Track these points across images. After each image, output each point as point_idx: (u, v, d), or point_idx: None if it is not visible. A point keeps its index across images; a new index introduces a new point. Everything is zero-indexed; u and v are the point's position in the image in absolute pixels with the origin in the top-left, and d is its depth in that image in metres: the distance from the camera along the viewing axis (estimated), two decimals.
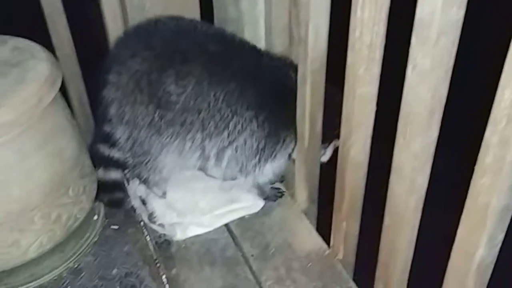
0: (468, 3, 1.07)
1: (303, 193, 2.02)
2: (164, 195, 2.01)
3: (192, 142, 1.81)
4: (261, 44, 1.92)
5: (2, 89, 1.50)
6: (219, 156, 1.84)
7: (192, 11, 2.09)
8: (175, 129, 1.79)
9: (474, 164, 1.13)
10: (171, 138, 1.81)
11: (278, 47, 1.82)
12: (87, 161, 1.82)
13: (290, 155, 1.92)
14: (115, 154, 1.91)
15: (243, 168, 1.88)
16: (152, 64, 1.73)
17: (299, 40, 1.65)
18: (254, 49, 1.84)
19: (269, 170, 1.93)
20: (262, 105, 1.76)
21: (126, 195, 2.06)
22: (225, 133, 1.78)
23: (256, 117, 1.77)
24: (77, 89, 2.14)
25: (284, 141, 1.86)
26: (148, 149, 1.85)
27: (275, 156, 1.88)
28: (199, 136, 1.79)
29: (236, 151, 1.83)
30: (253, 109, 1.76)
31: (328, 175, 1.86)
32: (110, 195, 2.02)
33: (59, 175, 1.64)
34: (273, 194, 2.08)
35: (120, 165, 1.95)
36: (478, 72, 2.64)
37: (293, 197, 2.07)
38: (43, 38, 1.92)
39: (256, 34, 1.90)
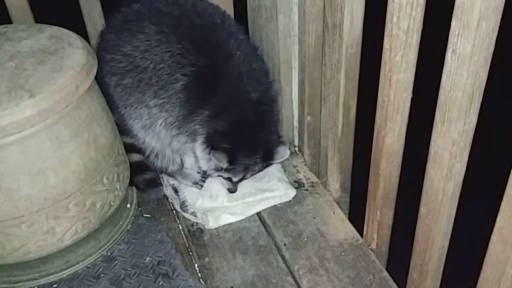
0: None
1: (336, 182, 2.01)
2: (196, 184, 2.03)
3: (146, 105, 1.82)
4: (295, 31, 1.91)
5: (39, 76, 1.52)
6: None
7: None
8: (133, 93, 1.82)
9: None
10: (134, 105, 1.84)
11: (312, 34, 1.81)
12: (121, 149, 1.83)
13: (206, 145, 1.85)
14: (126, 140, 1.93)
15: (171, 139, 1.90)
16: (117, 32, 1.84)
17: (333, 26, 1.64)
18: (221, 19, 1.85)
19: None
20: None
21: (158, 175, 2.08)
22: (163, 94, 1.79)
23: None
24: None
25: (191, 118, 1.82)
26: (131, 127, 1.90)
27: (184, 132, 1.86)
28: (149, 97, 1.80)
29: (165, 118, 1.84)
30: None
31: (361, 163, 1.85)
32: (143, 176, 2.04)
33: (94, 162, 1.65)
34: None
35: (137, 149, 1.98)
36: None
37: (326, 185, 2.06)
38: (79, 27, 1.94)
39: (289, 21, 1.89)
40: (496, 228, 1.24)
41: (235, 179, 1.92)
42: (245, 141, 1.81)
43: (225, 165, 1.80)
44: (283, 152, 1.90)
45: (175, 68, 1.75)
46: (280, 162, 2.04)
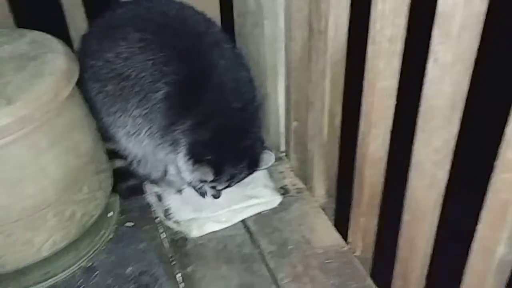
0: None
1: (321, 188, 2.00)
2: (179, 192, 2.00)
3: (130, 114, 1.79)
4: (281, 37, 1.89)
5: (18, 83, 1.48)
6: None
7: (211, 4, 2.08)
8: (116, 101, 1.79)
9: (494, 159, 1.11)
10: (117, 114, 1.81)
11: (298, 40, 1.80)
12: (103, 157, 1.80)
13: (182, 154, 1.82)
14: (109, 146, 1.90)
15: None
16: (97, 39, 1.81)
17: (318, 32, 1.63)
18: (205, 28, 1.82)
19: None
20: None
21: (141, 182, 2.05)
22: (146, 104, 1.76)
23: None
24: None
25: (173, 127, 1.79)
26: (114, 134, 1.86)
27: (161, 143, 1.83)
28: (132, 106, 1.77)
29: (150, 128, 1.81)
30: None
31: (346, 170, 1.84)
32: (126, 183, 2.01)
33: (74, 171, 1.62)
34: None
35: (120, 154, 1.95)
36: (499, 66, 2.60)
37: (312, 192, 2.05)
38: (61, 31, 1.92)
39: (276, 27, 1.87)
40: (476, 238, 1.24)
41: (220, 187, 1.90)
42: (230, 150, 1.78)
43: (211, 177, 1.78)
44: (268, 158, 1.89)
45: (157, 76, 1.72)
46: (265, 168, 2.02)
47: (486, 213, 1.18)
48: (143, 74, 1.73)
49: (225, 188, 1.91)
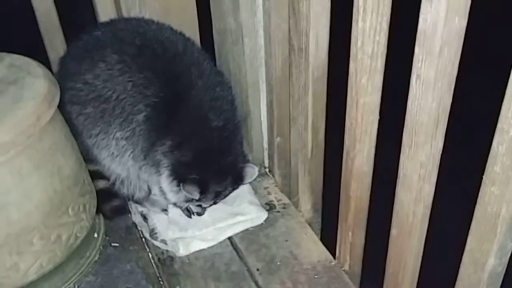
0: (470, 12, 1.06)
1: (307, 203, 2.00)
2: (164, 211, 1.99)
3: (113, 137, 1.79)
4: (261, 54, 1.90)
5: None
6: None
7: (190, 22, 2.08)
8: (98, 123, 1.78)
9: (482, 173, 1.13)
10: (100, 136, 1.80)
11: (278, 57, 1.80)
12: (87, 178, 1.78)
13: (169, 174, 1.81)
14: (91, 167, 1.88)
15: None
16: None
17: (299, 50, 1.64)
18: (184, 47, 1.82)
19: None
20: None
21: (126, 202, 2.04)
22: (128, 126, 1.76)
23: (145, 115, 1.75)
24: None
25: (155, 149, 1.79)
26: (96, 155, 1.86)
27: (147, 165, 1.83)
28: (115, 128, 1.77)
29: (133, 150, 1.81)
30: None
31: (332, 184, 1.84)
32: (110, 204, 1.99)
33: (59, 194, 1.60)
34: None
35: (103, 175, 1.94)
36: (482, 81, 2.63)
37: (298, 206, 2.05)
38: (40, 54, 1.90)
39: (255, 44, 1.88)
40: (466, 250, 1.25)
41: (205, 205, 1.90)
42: (213, 168, 1.78)
43: (197, 196, 1.77)
44: (251, 172, 1.88)
45: (137, 98, 1.72)
46: (249, 182, 2.02)
47: (476, 226, 1.19)
48: (123, 96, 1.72)
49: (210, 205, 1.90)
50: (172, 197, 1.85)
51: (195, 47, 1.89)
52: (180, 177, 1.76)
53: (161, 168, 1.79)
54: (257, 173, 1.91)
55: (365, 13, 1.27)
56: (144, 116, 1.74)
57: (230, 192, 1.88)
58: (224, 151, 1.80)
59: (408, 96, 1.23)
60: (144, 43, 1.77)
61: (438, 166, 1.30)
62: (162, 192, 1.88)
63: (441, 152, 1.27)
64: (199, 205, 1.89)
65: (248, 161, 1.94)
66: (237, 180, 1.86)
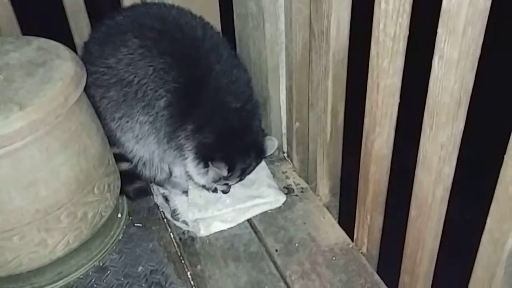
0: None
1: (325, 187, 2.02)
2: (185, 193, 2.03)
3: (137, 120, 1.83)
4: (281, 39, 1.92)
5: (28, 88, 1.51)
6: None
7: (212, 7, 2.11)
8: (121, 107, 1.82)
9: (502, 153, 1.13)
10: (123, 119, 1.84)
11: (299, 42, 1.82)
12: (111, 159, 1.83)
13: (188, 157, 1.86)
14: (113, 150, 1.92)
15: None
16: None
17: (320, 33, 1.66)
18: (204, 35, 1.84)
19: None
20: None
21: (148, 184, 2.08)
22: (151, 111, 1.80)
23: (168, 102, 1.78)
24: None
25: (177, 133, 1.83)
26: (119, 138, 1.90)
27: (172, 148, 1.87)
28: (138, 112, 1.81)
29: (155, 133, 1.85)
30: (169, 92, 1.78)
31: (350, 168, 1.86)
32: (133, 185, 2.04)
33: (85, 173, 1.65)
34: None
35: (126, 158, 1.98)
36: (504, 62, 2.60)
37: (316, 190, 2.08)
38: (66, 38, 1.94)
39: (276, 29, 1.90)
40: (486, 230, 1.25)
41: (232, 183, 1.94)
42: (236, 146, 1.82)
43: (225, 173, 1.81)
44: (271, 144, 1.95)
45: (158, 83, 1.76)
46: (268, 165, 2.08)
47: (495, 206, 1.19)
48: (145, 80, 1.76)
49: (237, 182, 1.95)
50: (200, 179, 1.90)
51: (213, 32, 1.92)
52: (205, 158, 1.81)
53: (185, 151, 1.83)
54: (276, 144, 1.98)
55: None
56: (165, 102, 1.77)
57: (254, 168, 1.93)
58: (244, 129, 1.85)
59: (430, 77, 1.24)
60: (164, 27, 1.80)
61: (458, 147, 1.31)
62: (189, 176, 1.93)
63: (462, 134, 1.28)
64: (226, 183, 1.93)
65: (266, 135, 1.99)
66: (260, 154, 1.92)
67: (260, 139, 1.91)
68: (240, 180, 1.94)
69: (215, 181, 1.90)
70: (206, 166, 1.82)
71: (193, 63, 1.78)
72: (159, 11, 1.89)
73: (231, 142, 1.81)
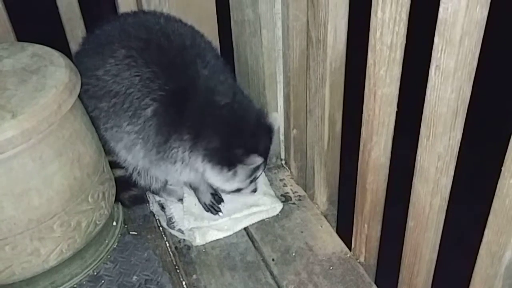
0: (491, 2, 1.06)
1: (323, 195, 2.01)
2: (181, 200, 2.01)
3: (124, 130, 1.79)
4: (279, 46, 1.91)
5: (22, 96, 1.50)
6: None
7: (209, 13, 2.09)
8: (111, 117, 1.80)
9: (500, 165, 1.12)
10: (114, 129, 1.81)
11: (296, 48, 1.81)
12: (106, 166, 1.81)
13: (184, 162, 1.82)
14: (109, 158, 1.90)
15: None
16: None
17: (317, 41, 1.65)
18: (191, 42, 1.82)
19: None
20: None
21: (143, 191, 2.06)
22: (137, 120, 1.76)
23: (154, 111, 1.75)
24: None
25: (170, 144, 1.78)
26: (113, 147, 1.87)
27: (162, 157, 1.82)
28: (125, 122, 1.78)
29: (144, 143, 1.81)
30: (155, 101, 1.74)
31: (348, 176, 1.85)
32: (128, 192, 2.02)
33: (79, 181, 1.63)
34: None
35: (120, 166, 1.95)
36: (501, 72, 2.60)
37: (313, 198, 2.06)
38: (61, 44, 1.93)
39: (273, 36, 1.88)
40: (483, 243, 1.25)
41: (259, 173, 1.90)
42: (247, 134, 1.78)
43: (260, 161, 1.76)
44: (275, 117, 1.90)
45: (144, 93, 1.73)
46: (265, 173, 2.05)
47: (493, 218, 1.18)
48: (131, 90, 1.74)
49: (263, 171, 1.93)
50: (230, 185, 1.85)
51: (202, 40, 1.89)
52: (228, 161, 1.77)
53: (197, 165, 1.79)
54: (279, 117, 1.95)
55: (384, 3, 1.27)
56: (152, 111, 1.74)
57: (270, 146, 1.88)
58: (243, 116, 1.80)
59: (427, 87, 1.23)
60: (150, 36, 1.78)
61: (456, 158, 1.30)
62: (217, 187, 1.90)
63: (459, 144, 1.27)
64: (254, 178, 1.89)
65: (265, 111, 1.94)
66: (270, 131, 1.85)
67: (263, 119, 1.84)
68: (265, 166, 1.89)
69: (248, 177, 1.84)
70: (231, 168, 1.77)
71: (179, 71, 1.76)
72: (146, 20, 1.88)
73: (239, 133, 1.77)
